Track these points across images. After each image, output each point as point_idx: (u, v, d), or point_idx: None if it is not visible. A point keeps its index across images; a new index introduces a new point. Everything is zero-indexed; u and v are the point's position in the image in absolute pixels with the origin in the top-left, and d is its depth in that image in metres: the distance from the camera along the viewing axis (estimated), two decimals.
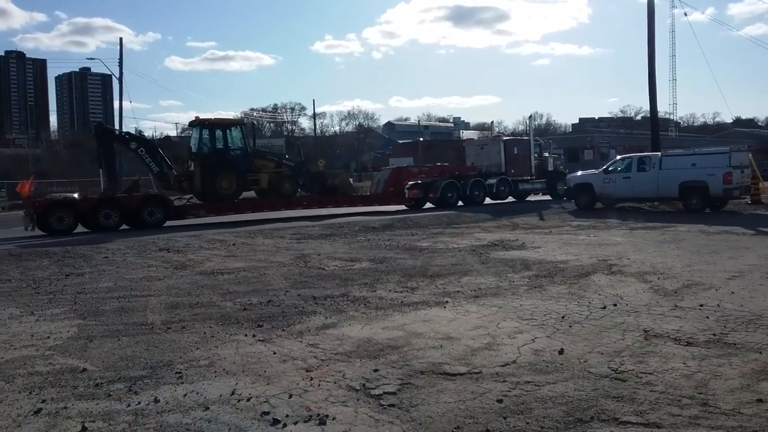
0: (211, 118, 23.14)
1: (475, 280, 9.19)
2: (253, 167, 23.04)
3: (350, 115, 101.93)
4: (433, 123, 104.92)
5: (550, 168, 30.82)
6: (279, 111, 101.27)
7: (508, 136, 36.34)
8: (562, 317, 6.83)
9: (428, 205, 26.92)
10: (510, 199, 28.75)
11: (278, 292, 8.76)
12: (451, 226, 18.01)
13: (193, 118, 23.06)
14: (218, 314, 7.54)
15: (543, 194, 30.71)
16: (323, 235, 16.19)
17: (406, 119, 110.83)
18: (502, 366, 5.25)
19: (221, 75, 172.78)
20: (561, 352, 5.56)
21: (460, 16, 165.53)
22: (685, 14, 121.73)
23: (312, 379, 5.06)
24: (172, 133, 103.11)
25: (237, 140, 22.98)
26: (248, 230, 18.28)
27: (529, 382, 4.84)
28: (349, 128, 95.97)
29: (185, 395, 4.78)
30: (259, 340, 6.31)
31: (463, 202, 26.77)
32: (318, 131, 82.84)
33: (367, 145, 78.31)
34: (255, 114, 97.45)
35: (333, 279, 9.68)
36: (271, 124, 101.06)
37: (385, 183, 26.22)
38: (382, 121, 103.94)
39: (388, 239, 14.92)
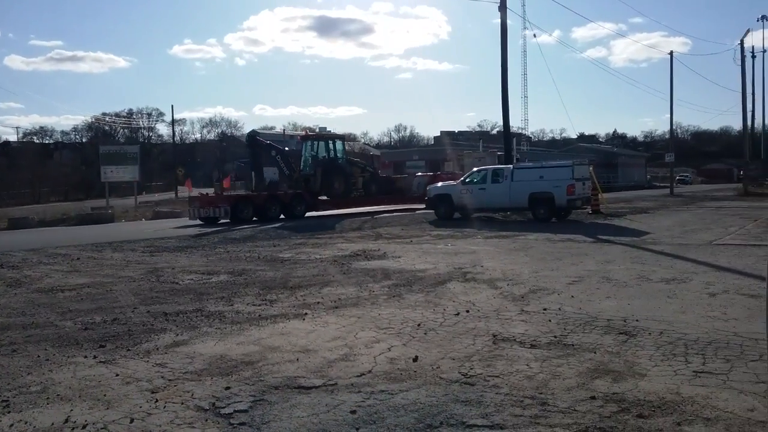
0: (320, 134, 31.65)
1: (336, 291, 9.18)
2: (352, 172, 28.81)
3: (212, 123, 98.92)
4: (299, 132, 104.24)
5: None
6: (134, 116, 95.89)
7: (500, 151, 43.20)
8: (418, 325, 6.97)
9: None
10: None
11: (125, 309, 8.22)
12: (314, 236, 17.94)
13: (303, 133, 31.76)
14: (55, 335, 6.93)
15: None
16: (179, 248, 15.49)
17: (272, 128, 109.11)
18: (358, 376, 5.24)
19: (69, 76, 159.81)
20: (415, 359, 5.65)
21: (325, 27, 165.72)
22: (534, 36, 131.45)
23: (157, 401, 4.75)
24: (12, 137, 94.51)
25: (340, 151, 28.71)
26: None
27: (383, 391, 4.87)
28: (211, 136, 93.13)
29: (11, 425, 4.31)
30: (100, 362, 5.86)
31: None
32: (177, 138, 79.46)
33: (230, 153, 76.25)
34: (107, 119, 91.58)
35: (187, 293, 9.25)
36: (126, 130, 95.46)
37: (425, 186, 29.97)
38: (246, 129, 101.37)
39: (249, 251, 14.56)
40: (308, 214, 26.16)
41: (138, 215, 32.86)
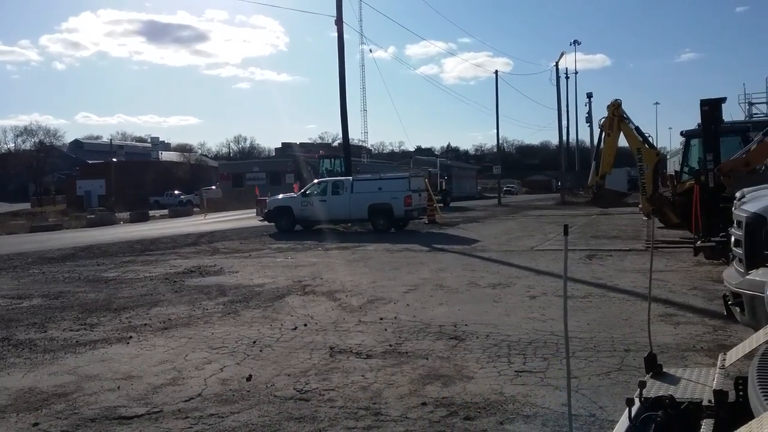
0: (334, 154, 39.37)
1: (166, 311, 8.66)
2: None
3: (27, 131, 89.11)
4: (128, 142, 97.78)
5: (445, 187, 48.45)
6: None
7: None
8: (254, 342, 6.76)
9: None
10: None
11: None
12: (144, 253, 16.90)
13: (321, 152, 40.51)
14: None
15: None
16: None
17: (98, 137, 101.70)
18: (186, 401, 4.94)
19: None
20: (249, 378, 5.45)
21: (155, 32, 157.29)
22: (371, 51, 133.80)
23: None
24: None
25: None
26: None
27: (213, 414, 4.62)
28: (27, 146, 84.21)
29: None
30: None
31: None
32: None
33: (49, 165, 69.79)
34: None
35: None
36: None
37: None
38: (68, 139, 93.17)
39: (68, 271, 13.36)
40: None
41: None
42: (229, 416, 4.58)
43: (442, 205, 45.47)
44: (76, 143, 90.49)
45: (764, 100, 42.13)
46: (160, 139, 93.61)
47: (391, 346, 6.42)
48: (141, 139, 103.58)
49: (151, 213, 41.70)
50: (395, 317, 7.77)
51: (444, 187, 50.61)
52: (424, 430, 4.17)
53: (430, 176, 50.05)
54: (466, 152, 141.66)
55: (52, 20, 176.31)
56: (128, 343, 6.94)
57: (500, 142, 62.39)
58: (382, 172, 33.64)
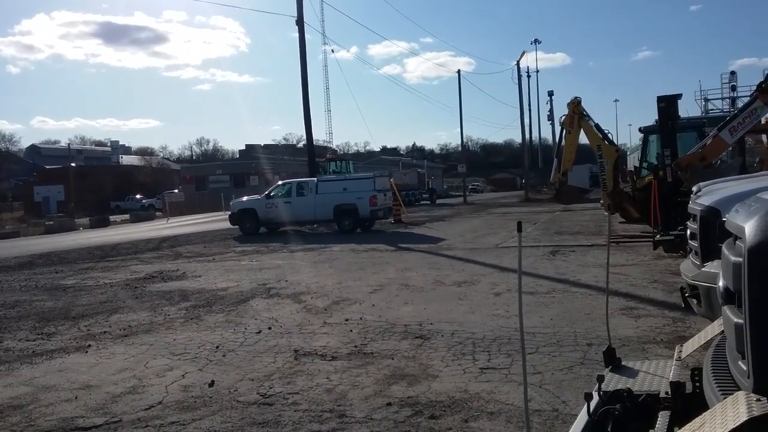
0: (340, 155, 44.37)
1: (126, 318, 8.48)
2: None
3: None
4: (87, 147, 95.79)
5: (432, 186, 54.82)
6: None
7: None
8: (217, 347, 6.65)
9: None
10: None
11: None
12: (105, 259, 16.54)
13: (329, 155, 44.83)
14: None
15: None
16: None
17: (56, 142, 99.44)
18: (146, 409, 4.83)
19: None
20: (211, 384, 5.36)
21: (111, 34, 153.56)
22: (333, 51, 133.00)
23: None
24: None
25: (353, 167, 40.56)
26: None
27: (174, 422, 4.52)
28: None
29: None
30: None
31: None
32: None
33: (5, 171, 68.07)
34: None
35: None
36: None
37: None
38: (24, 144, 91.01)
39: (25, 279, 12.99)
40: None
41: None
42: (190, 423, 4.48)
43: (429, 202, 48.80)
44: (33, 148, 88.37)
45: (719, 96, 43.26)
46: (120, 143, 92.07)
47: (356, 347, 6.38)
48: (100, 143, 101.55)
49: (112, 218, 40.96)
50: (361, 318, 7.73)
51: (431, 186, 54.32)
52: (389, 431, 4.15)
53: (419, 176, 53.31)
54: (431, 151, 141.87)
55: (4, 23, 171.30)
56: (87, 351, 6.76)
57: (464, 141, 62.95)
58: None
